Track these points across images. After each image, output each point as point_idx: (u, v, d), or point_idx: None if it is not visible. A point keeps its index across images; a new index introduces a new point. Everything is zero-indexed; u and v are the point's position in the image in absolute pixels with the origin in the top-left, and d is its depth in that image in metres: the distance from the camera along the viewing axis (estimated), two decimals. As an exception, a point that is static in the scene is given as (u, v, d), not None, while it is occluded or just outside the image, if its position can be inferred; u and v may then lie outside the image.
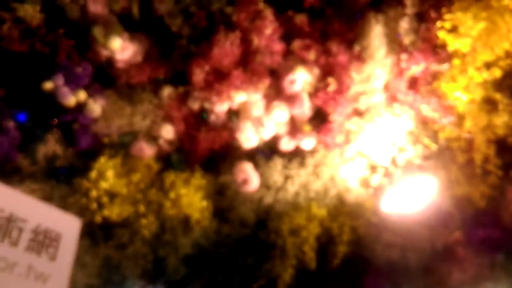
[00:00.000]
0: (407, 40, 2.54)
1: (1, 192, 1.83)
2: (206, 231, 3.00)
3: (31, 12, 2.31)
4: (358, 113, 2.77)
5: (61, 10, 2.39)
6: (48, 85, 2.45)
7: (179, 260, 3.02)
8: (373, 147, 2.81)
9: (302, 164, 2.96)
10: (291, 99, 2.70)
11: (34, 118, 2.63)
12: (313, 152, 2.92)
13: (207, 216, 2.91)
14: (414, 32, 2.54)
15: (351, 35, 2.62)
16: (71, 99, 2.49)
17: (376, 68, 2.57)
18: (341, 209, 3.09)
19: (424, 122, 2.73)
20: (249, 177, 2.82)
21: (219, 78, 2.56)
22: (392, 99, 2.70)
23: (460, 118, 2.66)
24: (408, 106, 2.67)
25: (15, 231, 1.81)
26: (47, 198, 2.68)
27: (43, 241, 1.89)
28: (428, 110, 2.61)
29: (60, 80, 2.45)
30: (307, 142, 2.82)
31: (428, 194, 2.89)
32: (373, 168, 2.90)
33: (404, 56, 2.56)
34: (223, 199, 3.03)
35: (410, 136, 2.77)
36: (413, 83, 2.65)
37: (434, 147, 2.75)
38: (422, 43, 2.52)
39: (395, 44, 2.57)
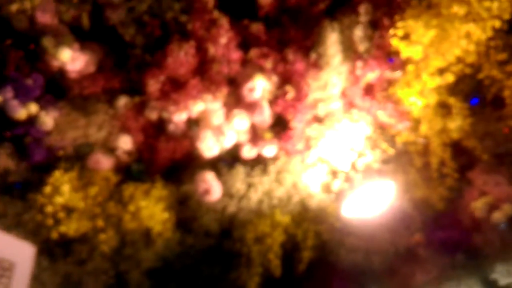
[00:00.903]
0: (361, 47, 2.57)
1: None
2: (169, 243, 2.95)
3: (-25, 24, 2.23)
4: (318, 119, 2.80)
5: (7, 21, 2.31)
6: (-4, 99, 2.37)
7: (142, 274, 2.97)
8: (333, 153, 2.83)
9: (264, 171, 2.96)
10: (251, 107, 2.69)
11: (-16, 133, 2.54)
12: (275, 159, 2.92)
13: (170, 228, 2.86)
14: (368, 40, 2.57)
15: (308, 42, 2.63)
16: (21, 112, 2.41)
17: (332, 75, 2.59)
18: (304, 215, 3.09)
19: (382, 127, 2.77)
20: (211, 186, 2.80)
21: (175, 88, 2.53)
22: (350, 105, 2.73)
23: (416, 123, 2.70)
24: (365, 112, 2.71)
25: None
26: (1, 215, 2.59)
27: (-4, 272, 1.80)
28: (384, 115, 2.65)
29: (9, 93, 2.37)
30: (269, 149, 2.82)
31: (388, 197, 2.93)
32: (334, 173, 2.92)
33: (359, 63, 2.59)
34: (186, 209, 2.99)
35: (369, 141, 2.81)
36: (369, 90, 2.68)
37: (391, 151, 2.79)
38: (376, 50, 2.55)
39: (350, 51, 2.60)
